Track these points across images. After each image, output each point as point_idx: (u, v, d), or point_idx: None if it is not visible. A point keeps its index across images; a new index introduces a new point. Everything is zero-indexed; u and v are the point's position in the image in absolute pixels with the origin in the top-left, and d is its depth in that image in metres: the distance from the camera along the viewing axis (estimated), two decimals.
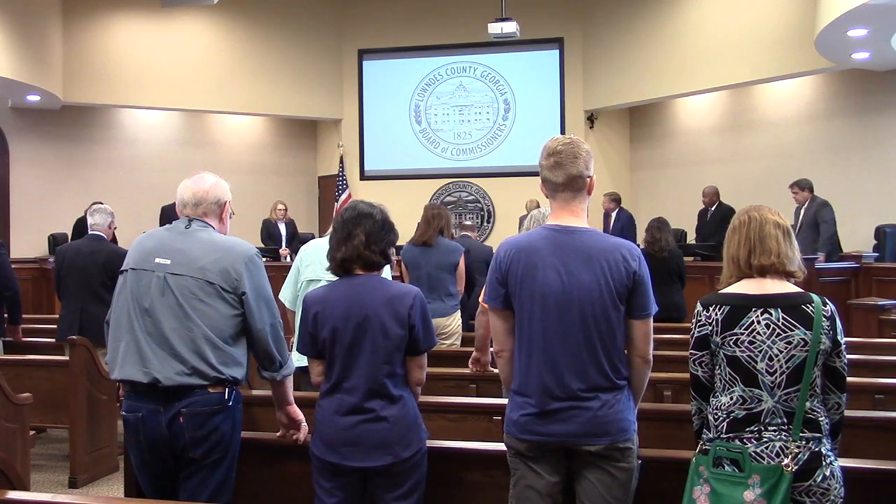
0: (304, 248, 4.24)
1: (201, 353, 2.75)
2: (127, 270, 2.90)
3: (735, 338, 2.41)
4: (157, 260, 2.84)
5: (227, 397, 2.80)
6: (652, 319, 2.62)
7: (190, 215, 2.95)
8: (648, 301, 2.58)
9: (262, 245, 10.40)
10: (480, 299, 4.02)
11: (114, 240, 5.86)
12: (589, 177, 2.62)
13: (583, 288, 2.51)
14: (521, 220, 10.03)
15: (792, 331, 2.37)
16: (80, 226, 8.92)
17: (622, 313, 2.55)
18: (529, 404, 2.55)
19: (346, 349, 2.71)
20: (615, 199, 10.52)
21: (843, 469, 2.43)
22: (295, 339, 4.03)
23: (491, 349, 3.97)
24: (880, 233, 8.81)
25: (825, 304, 2.42)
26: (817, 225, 8.26)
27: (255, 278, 2.87)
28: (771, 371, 2.37)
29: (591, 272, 2.52)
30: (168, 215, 8.75)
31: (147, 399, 2.76)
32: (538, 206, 9.98)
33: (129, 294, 2.85)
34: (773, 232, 2.47)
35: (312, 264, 4.03)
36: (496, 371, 3.86)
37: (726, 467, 2.38)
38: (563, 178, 2.58)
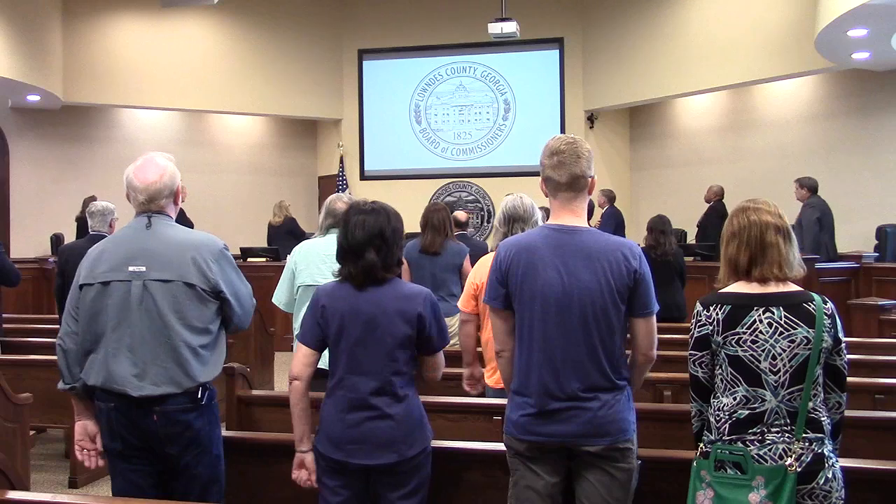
0: (297, 251, 4.12)
1: (181, 362, 2.73)
2: (94, 284, 2.79)
3: (737, 337, 2.39)
4: (132, 268, 2.76)
5: (200, 396, 2.78)
6: (655, 317, 2.62)
7: (145, 210, 2.88)
8: (650, 299, 2.58)
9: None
10: (459, 304, 3.96)
11: None
12: (591, 177, 2.63)
13: (583, 287, 2.51)
14: None
15: (794, 329, 2.36)
16: (82, 224, 8.90)
17: (623, 312, 2.55)
18: (529, 404, 2.55)
19: (352, 345, 2.70)
20: (609, 197, 10.63)
21: (844, 469, 2.43)
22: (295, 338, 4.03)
23: (479, 350, 3.94)
24: (881, 232, 8.81)
25: (825, 303, 2.42)
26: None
27: (227, 272, 2.86)
28: (774, 370, 2.36)
29: (592, 271, 2.52)
30: None
31: (119, 397, 2.74)
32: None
33: (101, 307, 2.77)
34: (774, 239, 2.43)
35: (309, 268, 3.97)
36: (489, 383, 3.83)
37: (728, 470, 2.36)
38: (567, 178, 2.59)
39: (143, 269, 2.76)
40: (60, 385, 2.88)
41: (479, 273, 3.78)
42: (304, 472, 2.79)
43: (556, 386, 2.51)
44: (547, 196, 2.69)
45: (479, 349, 3.93)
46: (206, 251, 2.82)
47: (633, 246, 2.60)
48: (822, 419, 2.39)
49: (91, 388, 2.80)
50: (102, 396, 2.78)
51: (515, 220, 3.69)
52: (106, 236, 5.54)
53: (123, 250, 2.81)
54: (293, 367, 2.77)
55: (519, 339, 2.60)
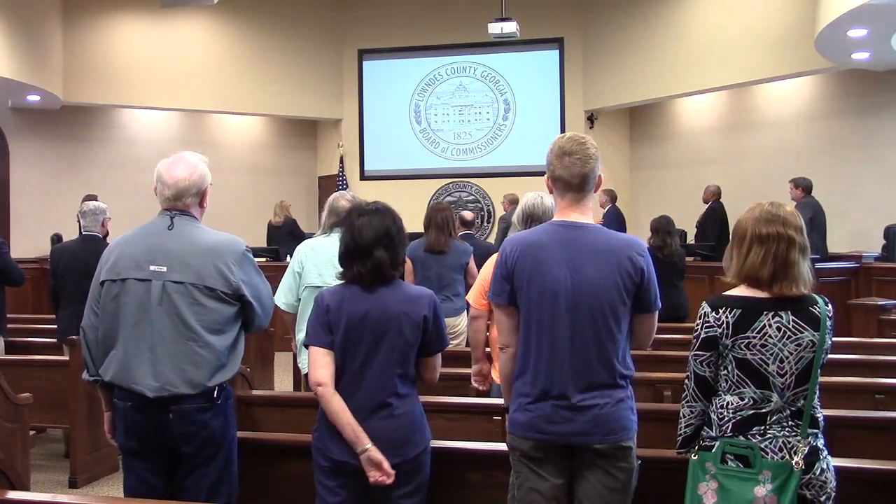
0: (302, 251, 4.08)
1: (199, 363, 2.74)
2: (116, 280, 2.80)
3: (746, 341, 2.39)
4: (153, 268, 2.77)
5: (216, 395, 2.79)
6: (657, 315, 2.63)
7: (171, 207, 2.89)
8: (655, 297, 2.59)
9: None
10: (469, 298, 3.95)
11: (107, 236, 5.75)
12: (599, 175, 2.65)
13: (591, 284, 2.50)
14: (502, 219, 10.01)
15: (801, 333, 2.38)
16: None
17: (629, 309, 2.55)
18: (534, 402, 2.53)
19: (358, 347, 2.70)
20: (610, 197, 10.62)
21: (843, 469, 2.46)
22: (297, 343, 4.02)
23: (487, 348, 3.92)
24: (889, 233, 8.77)
25: (827, 304, 2.44)
26: None
27: (250, 275, 2.86)
28: (781, 373, 2.38)
29: (600, 268, 2.51)
30: None
31: (137, 397, 2.75)
32: (516, 202, 10.03)
33: (121, 305, 2.78)
34: (797, 258, 2.41)
35: (318, 267, 3.94)
36: (497, 380, 3.81)
37: (730, 463, 2.39)
38: (578, 179, 2.60)
39: (164, 269, 2.76)
40: (85, 375, 2.91)
41: (490, 269, 3.77)
42: (376, 471, 2.63)
43: (564, 383, 2.50)
44: (552, 193, 2.69)
45: (488, 349, 3.91)
46: (229, 254, 2.82)
47: (641, 244, 2.61)
48: (818, 416, 2.43)
49: (111, 384, 2.81)
50: (120, 395, 2.79)
51: (534, 219, 3.62)
52: (98, 236, 5.55)
53: (145, 248, 2.82)
54: (313, 373, 2.71)
55: (525, 336, 2.58)
